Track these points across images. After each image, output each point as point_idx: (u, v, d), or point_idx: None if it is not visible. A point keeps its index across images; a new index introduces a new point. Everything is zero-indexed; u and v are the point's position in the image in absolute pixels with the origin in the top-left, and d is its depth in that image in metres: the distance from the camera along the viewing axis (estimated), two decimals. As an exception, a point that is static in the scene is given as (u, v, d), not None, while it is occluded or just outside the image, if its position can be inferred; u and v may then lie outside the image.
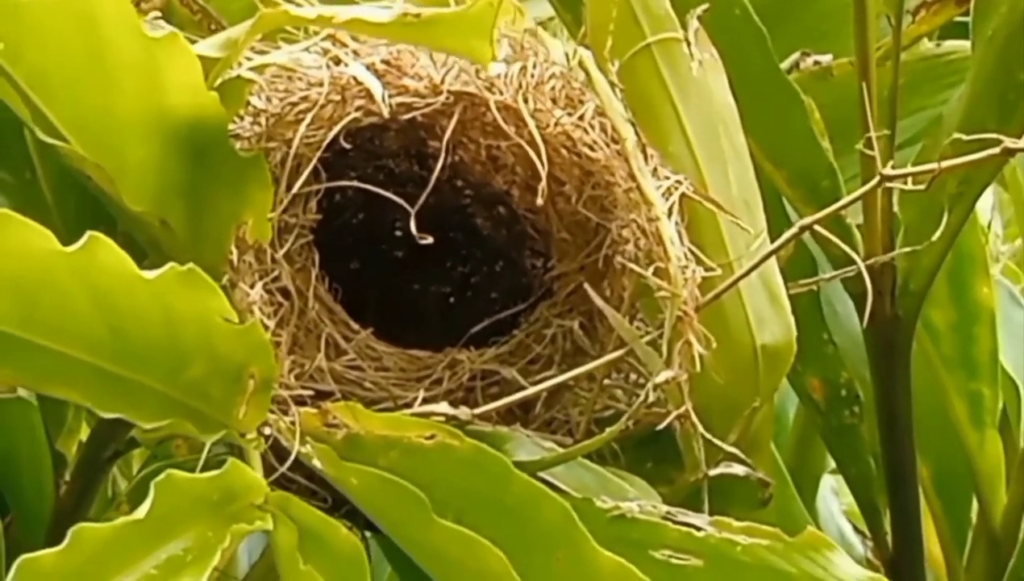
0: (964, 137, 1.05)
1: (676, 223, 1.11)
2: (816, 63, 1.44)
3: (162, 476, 0.92)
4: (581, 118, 1.13)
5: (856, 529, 1.62)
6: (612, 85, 1.13)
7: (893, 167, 1.33)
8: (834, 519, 1.67)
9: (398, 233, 1.31)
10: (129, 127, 1.02)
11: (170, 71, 1.02)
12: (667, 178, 1.13)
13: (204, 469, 0.99)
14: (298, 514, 0.99)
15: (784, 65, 1.42)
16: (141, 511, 0.91)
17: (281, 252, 1.13)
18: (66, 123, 1.02)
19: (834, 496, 1.67)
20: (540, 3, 1.43)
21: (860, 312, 1.38)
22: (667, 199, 1.12)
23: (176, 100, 1.02)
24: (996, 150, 1.04)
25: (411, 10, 1.02)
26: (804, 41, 1.47)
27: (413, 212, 1.10)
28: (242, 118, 1.16)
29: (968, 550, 1.50)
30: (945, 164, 1.07)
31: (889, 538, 1.43)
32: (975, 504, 1.50)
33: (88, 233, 0.94)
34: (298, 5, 1.20)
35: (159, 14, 1.16)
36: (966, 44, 1.36)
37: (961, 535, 1.50)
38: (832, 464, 1.56)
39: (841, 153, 1.36)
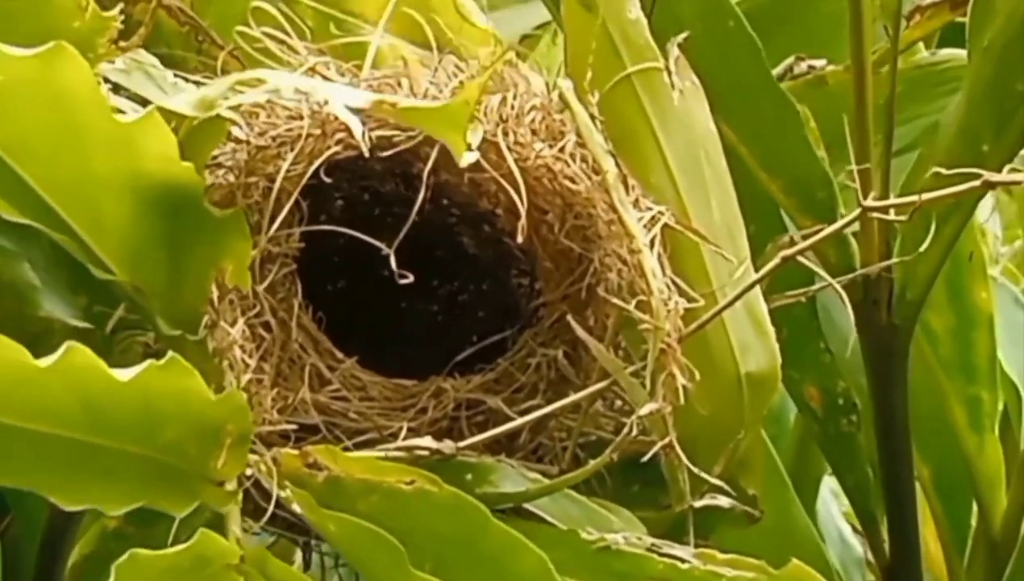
0: (945, 172, 1.03)
1: (658, 254, 1.11)
2: (810, 68, 1.43)
3: (124, 557, 0.92)
4: (562, 150, 1.12)
5: (856, 531, 1.62)
6: (592, 116, 1.12)
7: (889, 178, 1.33)
8: (834, 521, 1.67)
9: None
10: (104, 186, 1.02)
11: (144, 144, 1.02)
12: (649, 209, 1.12)
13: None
14: (274, 573, 1.00)
15: (778, 70, 1.41)
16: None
17: (263, 285, 1.13)
18: (42, 184, 1.03)
19: (834, 498, 1.67)
20: (537, 8, 1.42)
21: (857, 321, 1.37)
22: (649, 230, 1.11)
23: (150, 167, 1.03)
24: (976, 183, 1.03)
25: (388, 98, 1.03)
26: (800, 47, 1.45)
27: (391, 251, 1.09)
28: (225, 143, 1.16)
29: (969, 553, 1.50)
30: (926, 196, 1.06)
31: (886, 546, 1.43)
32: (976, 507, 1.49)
33: (66, 343, 0.93)
34: (284, 31, 1.20)
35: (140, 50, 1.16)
36: (961, 52, 1.35)
37: (962, 538, 1.50)
38: (832, 467, 1.56)
39: (837, 160, 1.35)
